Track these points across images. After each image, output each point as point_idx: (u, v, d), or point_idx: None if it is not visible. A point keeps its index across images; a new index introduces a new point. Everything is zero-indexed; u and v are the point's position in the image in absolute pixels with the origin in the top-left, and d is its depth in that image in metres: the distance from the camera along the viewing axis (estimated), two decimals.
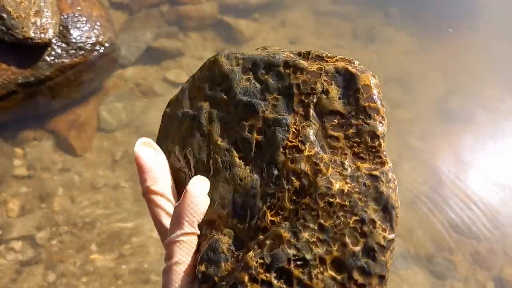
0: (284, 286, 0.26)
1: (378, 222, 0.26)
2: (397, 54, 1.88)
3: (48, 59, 1.34)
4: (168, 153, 0.37)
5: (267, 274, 0.27)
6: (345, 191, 0.27)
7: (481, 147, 1.57)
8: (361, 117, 0.28)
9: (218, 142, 0.32)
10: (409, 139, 1.58)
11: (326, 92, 0.29)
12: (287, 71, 0.31)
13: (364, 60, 1.63)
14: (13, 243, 1.21)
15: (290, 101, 0.30)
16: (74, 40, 1.38)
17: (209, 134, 0.33)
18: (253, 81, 0.32)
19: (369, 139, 0.28)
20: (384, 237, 0.26)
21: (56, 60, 1.35)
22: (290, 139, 0.29)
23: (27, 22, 1.25)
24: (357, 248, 0.26)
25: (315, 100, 0.30)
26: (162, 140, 0.38)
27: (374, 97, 0.29)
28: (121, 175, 1.37)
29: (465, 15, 2.07)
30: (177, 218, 0.31)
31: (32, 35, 1.26)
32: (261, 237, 0.28)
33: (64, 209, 1.28)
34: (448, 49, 1.90)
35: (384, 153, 0.28)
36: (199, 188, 0.32)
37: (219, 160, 0.32)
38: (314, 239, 0.26)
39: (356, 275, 0.25)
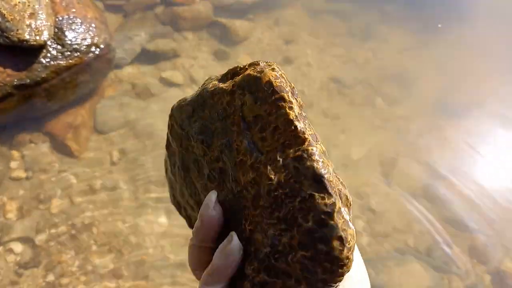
0: (275, 279, 0.29)
1: (316, 194, 0.28)
2: (393, 51, 1.89)
3: (43, 61, 1.34)
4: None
5: (259, 275, 0.30)
6: (282, 180, 0.29)
7: (479, 142, 1.57)
8: (274, 111, 0.30)
9: (196, 183, 0.37)
10: (406, 136, 1.59)
11: (244, 103, 0.32)
12: (215, 98, 0.33)
13: (360, 58, 1.65)
14: (12, 245, 1.21)
15: (226, 124, 0.33)
16: (69, 42, 1.39)
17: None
18: (199, 120, 0.35)
19: (286, 126, 0.30)
20: (325, 204, 0.28)
21: (52, 62, 1.36)
22: (236, 156, 0.32)
23: (21, 24, 1.26)
24: (310, 224, 0.28)
25: (240, 114, 0.32)
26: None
27: (276, 88, 0.30)
28: (119, 175, 1.37)
29: (460, 10, 2.08)
30: (218, 273, 0.32)
31: (27, 37, 1.26)
32: (248, 247, 0.31)
33: (62, 210, 1.28)
34: (445, 45, 1.91)
35: (302, 131, 0.30)
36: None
37: (203, 198, 0.36)
38: (278, 231, 0.29)
39: (319, 246, 0.28)
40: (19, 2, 1.27)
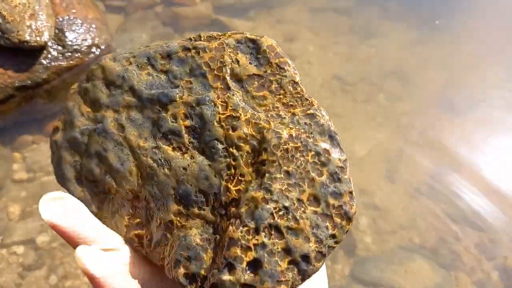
0: (276, 240, 0.27)
1: (331, 149, 0.29)
2: (395, 47, 1.88)
3: (44, 62, 1.34)
4: (82, 184, 0.34)
5: (257, 237, 0.27)
6: (293, 134, 0.29)
7: (483, 137, 1.56)
8: (277, 72, 0.32)
9: (141, 144, 0.32)
10: (409, 132, 1.57)
11: (236, 61, 0.32)
12: (189, 54, 0.32)
13: (361, 55, 1.64)
14: (15, 247, 1.21)
15: (204, 79, 0.32)
16: (70, 43, 1.39)
17: (125, 141, 0.32)
18: (154, 73, 0.33)
19: (291, 88, 0.31)
20: (339, 159, 0.29)
21: (53, 63, 1.35)
22: (221, 112, 0.31)
23: (22, 25, 1.26)
24: (324, 177, 0.28)
25: (228, 71, 0.32)
26: (66, 173, 0.34)
27: (281, 53, 0.32)
28: None
29: (461, 5, 2.07)
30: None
31: (28, 38, 1.26)
32: (233, 209, 0.29)
33: None
34: (446, 41, 1.90)
35: (308, 95, 0.32)
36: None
37: (150, 161, 0.31)
38: (285, 186, 0.28)
39: (331, 200, 0.28)
40: (19, 3, 1.26)
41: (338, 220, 0.28)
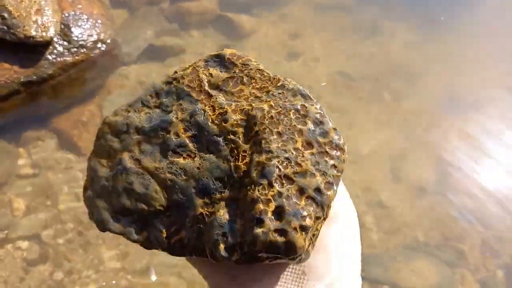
0: (289, 185, 0.32)
1: (306, 103, 0.36)
2: (399, 45, 1.87)
3: (50, 57, 1.34)
4: (119, 220, 0.38)
5: (272, 189, 0.32)
6: (273, 104, 0.36)
7: (488, 135, 1.55)
8: (244, 69, 0.39)
9: (157, 166, 0.37)
10: (414, 131, 1.57)
11: (210, 75, 0.39)
12: (171, 85, 0.40)
13: (366, 52, 1.63)
14: (20, 242, 1.21)
15: (190, 97, 0.38)
16: (75, 38, 1.38)
17: (144, 169, 0.37)
18: (150, 111, 0.39)
19: (259, 75, 0.39)
20: (315, 107, 0.36)
21: (58, 59, 1.35)
22: (212, 114, 0.37)
23: (28, 20, 1.25)
24: (309, 125, 0.35)
25: (206, 84, 0.39)
26: (104, 217, 0.38)
27: (240, 55, 0.40)
28: None
29: (466, 2, 2.06)
30: None
31: (34, 33, 1.26)
32: (246, 179, 0.33)
33: (70, 207, 1.28)
34: (451, 38, 1.89)
35: (269, 72, 0.39)
36: None
37: (168, 175, 0.36)
38: (281, 143, 0.34)
39: (321, 139, 0.34)
40: None
41: (332, 152, 0.34)
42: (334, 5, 1.99)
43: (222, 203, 0.34)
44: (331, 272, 0.34)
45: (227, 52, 0.40)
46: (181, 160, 0.36)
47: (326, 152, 0.34)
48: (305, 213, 0.31)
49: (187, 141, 0.37)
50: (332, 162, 0.34)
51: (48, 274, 1.16)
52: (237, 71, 0.39)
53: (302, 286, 0.33)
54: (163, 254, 0.37)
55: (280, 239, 0.30)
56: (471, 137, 1.55)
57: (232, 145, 0.35)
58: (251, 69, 0.39)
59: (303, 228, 0.31)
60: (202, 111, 0.37)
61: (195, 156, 0.36)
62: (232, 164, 0.35)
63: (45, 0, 1.31)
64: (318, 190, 0.32)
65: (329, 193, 0.32)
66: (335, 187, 0.33)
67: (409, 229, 1.32)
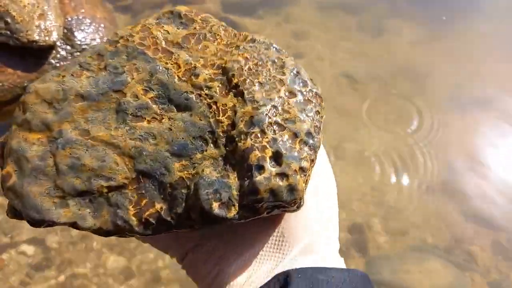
0: (281, 131, 0.32)
1: (281, 55, 0.36)
2: (405, 45, 1.85)
3: (53, 62, 1.34)
4: (66, 205, 0.32)
5: (266, 136, 0.32)
6: (248, 56, 0.35)
7: (498, 133, 1.52)
8: (204, 25, 0.38)
9: (113, 134, 0.32)
10: (421, 130, 1.54)
11: (166, 32, 0.37)
12: (118, 44, 0.36)
13: (371, 53, 1.61)
14: (24, 246, 1.20)
15: (146, 56, 0.35)
16: (78, 42, 1.39)
17: (95, 140, 0.32)
18: (93, 74, 0.34)
19: (223, 31, 0.38)
20: (291, 59, 0.36)
21: (61, 63, 1.36)
22: (177, 71, 0.34)
23: (31, 25, 1.26)
24: (287, 75, 0.35)
25: (163, 41, 0.36)
26: (41, 206, 0.32)
27: (197, 12, 0.39)
28: None
29: (472, 1, 2.03)
30: None
31: (37, 38, 1.26)
32: (233, 131, 0.32)
33: None
34: (457, 38, 1.86)
35: (232, 29, 0.38)
36: None
37: (131, 142, 0.32)
38: (264, 93, 0.34)
39: (302, 89, 0.35)
40: (28, 3, 1.27)
41: (314, 100, 0.35)
42: (338, 5, 1.97)
43: (206, 162, 0.31)
44: (308, 235, 0.34)
45: (182, 8, 0.38)
46: (144, 124, 0.32)
47: (309, 100, 0.34)
48: (302, 156, 0.31)
49: (150, 103, 0.33)
50: (315, 109, 0.34)
51: (52, 278, 1.15)
52: (197, 27, 0.37)
53: (281, 248, 0.34)
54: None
55: (283, 183, 0.30)
56: (479, 135, 1.52)
57: (208, 100, 0.33)
58: (213, 25, 0.38)
59: (303, 170, 0.31)
60: (165, 69, 0.34)
61: (162, 118, 0.33)
62: (211, 119, 0.33)
63: (48, 5, 1.31)
64: (309, 134, 0.32)
65: (318, 137, 0.33)
66: (321, 132, 0.34)
67: (417, 231, 1.29)
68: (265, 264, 0.33)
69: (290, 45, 1.80)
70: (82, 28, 1.41)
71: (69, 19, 1.39)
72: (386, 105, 1.62)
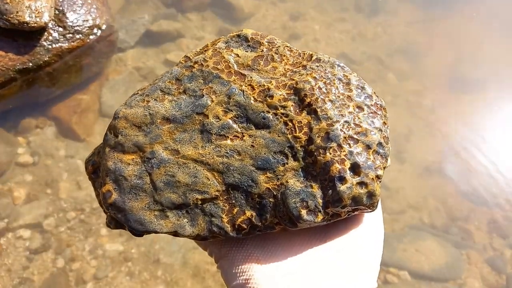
0: (356, 145, 0.35)
1: (345, 73, 0.39)
2: (402, 25, 1.83)
3: (45, 44, 1.32)
4: (166, 217, 0.37)
5: (343, 150, 0.35)
6: (316, 76, 0.38)
7: (493, 114, 1.52)
8: (271, 47, 0.40)
9: (201, 152, 0.36)
10: (419, 111, 1.54)
11: (236, 55, 0.40)
12: (194, 69, 0.39)
13: (368, 33, 1.59)
14: (22, 231, 1.20)
15: (221, 79, 0.38)
16: (70, 24, 1.36)
17: (185, 159, 0.36)
18: (175, 98, 0.38)
19: (288, 52, 0.40)
20: (354, 75, 0.39)
21: (54, 45, 1.33)
22: (252, 92, 0.37)
23: (21, 6, 1.23)
24: (354, 91, 0.38)
25: (235, 65, 0.39)
26: (144, 219, 0.37)
27: (263, 34, 0.41)
28: None
29: None
30: None
31: (28, 19, 1.23)
32: (311, 146, 0.35)
33: (71, 195, 1.27)
34: (454, 18, 1.85)
35: (296, 49, 0.41)
36: None
37: (218, 159, 0.36)
38: (335, 109, 0.36)
39: (368, 102, 0.38)
40: None
41: (379, 112, 0.38)
42: None
43: (288, 174, 0.35)
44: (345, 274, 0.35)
45: (249, 31, 0.41)
46: (228, 142, 0.36)
47: (375, 112, 0.37)
48: (376, 165, 0.35)
49: (231, 122, 0.37)
50: (382, 120, 0.37)
51: (51, 262, 1.15)
52: (264, 49, 0.40)
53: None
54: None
55: (362, 190, 0.34)
56: (476, 116, 1.52)
57: (284, 118, 0.37)
58: (278, 46, 0.40)
59: (378, 177, 0.35)
60: (241, 91, 0.37)
61: (244, 136, 0.37)
62: (289, 136, 0.36)
63: None
64: (380, 144, 0.36)
65: (388, 146, 0.36)
66: (389, 141, 0.37)
67: (414, 210, 1.30)
68: None
69: (285, 26, 1.78)
70: (74, 9, 1.38)
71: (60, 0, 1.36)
72: (383, 86, 1.61)
